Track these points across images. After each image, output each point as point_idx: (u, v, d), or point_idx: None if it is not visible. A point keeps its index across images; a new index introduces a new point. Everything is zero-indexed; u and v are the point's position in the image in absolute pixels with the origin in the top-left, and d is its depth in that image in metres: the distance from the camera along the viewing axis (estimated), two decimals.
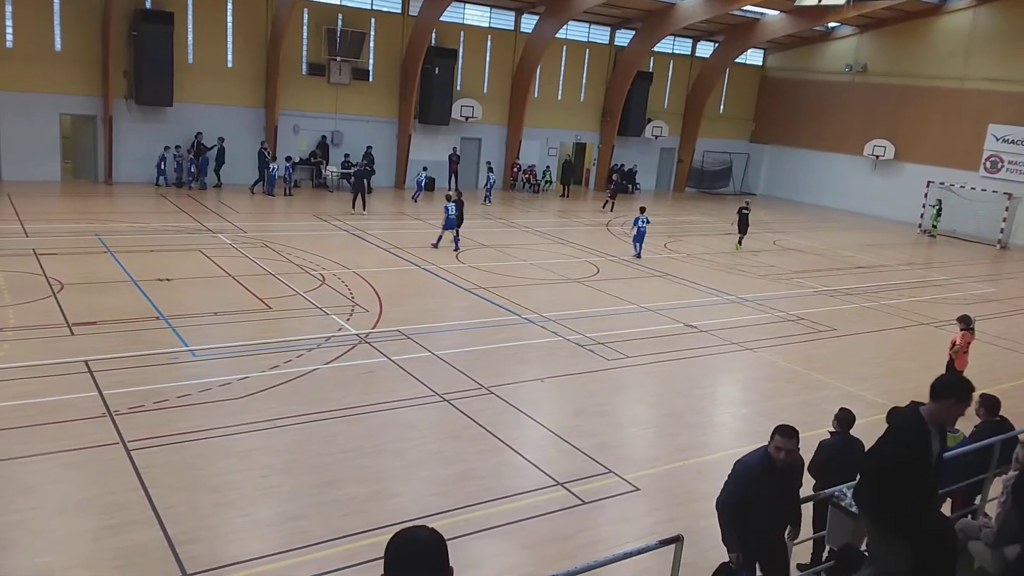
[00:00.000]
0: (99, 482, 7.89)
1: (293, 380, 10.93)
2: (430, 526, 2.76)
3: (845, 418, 7.35)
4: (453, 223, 20.55)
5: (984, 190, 31.50)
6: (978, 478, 7.21)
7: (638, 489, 8.74)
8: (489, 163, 32.34)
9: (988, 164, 32.04)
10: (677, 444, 10.21)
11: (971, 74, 32.32)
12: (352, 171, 27.35)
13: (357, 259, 18.64)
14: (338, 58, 28.85)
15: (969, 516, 7.12)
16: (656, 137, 37.66)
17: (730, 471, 5.94)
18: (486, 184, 30.70)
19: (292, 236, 20.61)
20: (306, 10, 28.54)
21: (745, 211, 24.61)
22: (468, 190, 32.45)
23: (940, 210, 31.85)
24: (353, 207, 25.10)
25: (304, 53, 28.92)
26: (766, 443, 5.92)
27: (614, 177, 34.10)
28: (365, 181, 26.16)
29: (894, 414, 5.23)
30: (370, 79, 30.22)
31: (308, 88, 29.08)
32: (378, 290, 15.91)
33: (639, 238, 21.65)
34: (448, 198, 21.05)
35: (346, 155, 29.74)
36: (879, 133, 35.50)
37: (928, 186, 32.62)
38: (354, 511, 7.75)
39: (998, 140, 31.71)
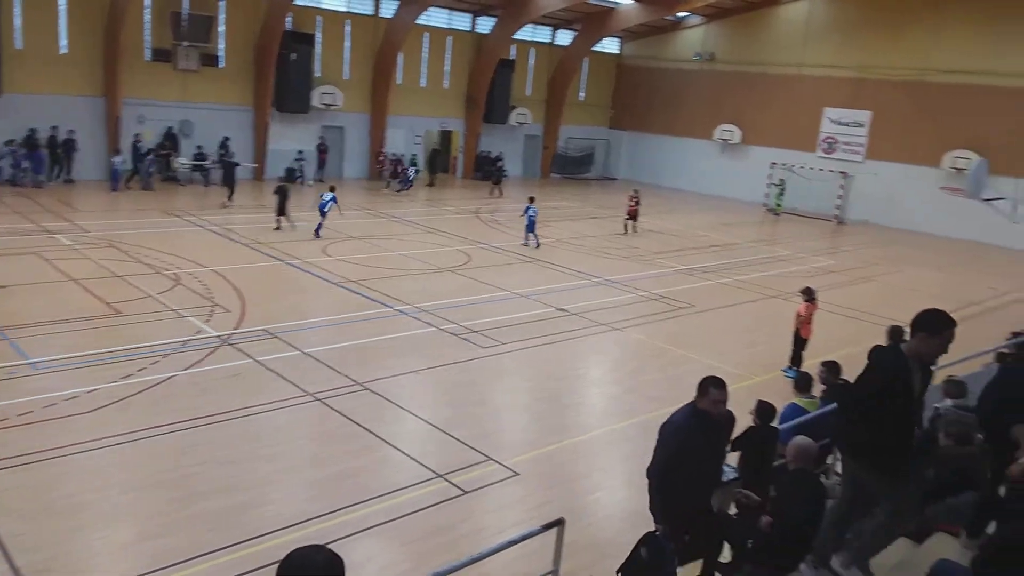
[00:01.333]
0: None
1: (149, 389, 10.25)
2: (329, 548, 2.58)
3: None
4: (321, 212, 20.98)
5: (821, 170, 33.94)
6: (828, 439, 7.75)
7: (517, 474, 8.81)
8: (414, 155, 33.36)
9: (824, 145, 34.54)
10: (552, 426, 10.38)
11: (808, 61, 34.66)
12: (221, 163, 26.55)
13: (214, 256, 17.69)
14: (185, 43, 27.17)
15: (823, 476, 7.64)
16: (520, 124, 38.05)
17: (658, 436, 5.66)
18: (409, 174, 31.18)
19: (141, 234, 19.30)
20: None
21: (635, 200, 25.17)
22: (333, 180, 31.68)
23: (783, 190, 34.06)
24: (230, 199, 24.41)
25: (147, 38, 27.05)
26: (688, 401, 5.68)
27: (499, 164, 34.59)
28: (233, 172, 25.37)
29: (875, 350, 5.11)
30: (221, 65, 28.71)
31: (153, 75, 27.24)
32: (239, 288, 15.18)
33: (530, 227, 21.63)
34: (332, 188, 21.66)
35: (198, 147, 28.18)
36: (726, 118, 37.47)
37: (772, 167, 34.78)
38: (223, 524, 7.36)
39: (832, 123, 34.24)
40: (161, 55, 27.19)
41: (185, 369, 11.02)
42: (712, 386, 5.45)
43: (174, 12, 26.78)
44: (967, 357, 9.56)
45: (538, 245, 21.58)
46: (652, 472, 5.61)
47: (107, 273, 15.52)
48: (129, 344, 11.76)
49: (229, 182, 24.85)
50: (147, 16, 26.85)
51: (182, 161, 27.85)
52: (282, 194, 21.07)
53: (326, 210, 20.85)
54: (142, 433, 8.99)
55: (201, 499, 7.78)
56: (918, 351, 4.79)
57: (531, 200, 22.17)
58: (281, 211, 21.02)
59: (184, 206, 23.79)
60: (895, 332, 10.12)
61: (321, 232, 20.60)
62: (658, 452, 5.62)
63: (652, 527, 5.68)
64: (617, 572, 5.70)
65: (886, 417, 4.77)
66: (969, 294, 20.37)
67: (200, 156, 27.93)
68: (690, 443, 5.43)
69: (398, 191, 30.52)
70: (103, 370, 10.70)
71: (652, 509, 5.69)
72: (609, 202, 32.52)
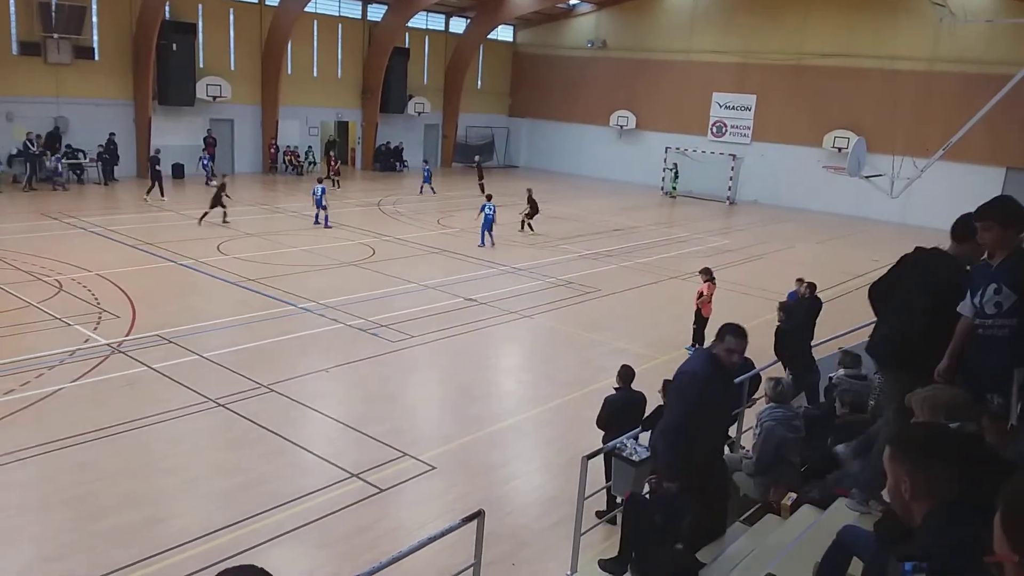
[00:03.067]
0: None
1: (35, 404, 9.59)
2: (258, 567, 2.46)
3: (626, 374, 7.86)
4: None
5: (713, 153, 35.16)
6: (733, 413, 8.04)
7: (434, 468, 8.74)
8: (310, 147, 33.48)
9: (714, 129, 35.77)
10: (468, 417, 10.35)
11: (695, 47, 35.74)
12: (148, 159, 25.96)
13: (99, 260, 16.68)
14: (56, 35, 25.45)
15: (728, 449, 7.93)
16: (419, 114, 37.65)
17: (672, 388, 5.24)
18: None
19: (17, 239, 18.03)
20: None
21: (531, 195, 23.34)
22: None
23: (677, 173, 35.10)
24: (162, 195, 24.37)
25: (13, 30, 25.18)
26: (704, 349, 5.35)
27: (477, 158, 34.07)
28: (157, 168, 24.96)
29: (911, 259, 4.83)
30: (96, 58, 27.06)
31: (22, 70, 25.39)
32: (128, 292, 14.40)
33: (487, 226, 20.68)
34: (320, 180, 22.58)
35: (68, 145, 26.41)
36: (621, 104, 38.23)
37: (667, 151, 35.76)
38: (125, 541, 6.97)
39: (721, 107, 35.49)
40: (30, 48, 25.38)
41: (74, 380, 10.38)
42: (729, 334, 5.14)
43: (43, 3, 25.02)
44: (856, 328, 10.09)
45: (493, 244, 20.72)
46: (669, 426, 5.20)
47: None
48: (10, 357, 10.96)
49: (156, 179, 24.49)
50: (12, 7, 25.00)
51: (59, 159, 26.11)
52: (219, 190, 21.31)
53: (323, 203, 21.82)
54: (32, 451, 8.41)
55: (102, 516, 7.36)
56: (967, 253, 4.74)
57: (489, 198, 21.29)
58: (217, 204, 21.12)
59: (63, 207, 22.34)
60: (787, 307, 10.65)
61: (330, 223, 21.90)
62: (675, 405, 5.23)
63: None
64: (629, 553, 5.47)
65: (943, 325, 4.67)
66: (854, 266, 21.58)
67: (72, 154, 26.24)
68: (709, 393, 5.12)
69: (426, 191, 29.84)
70: None
71: (667, 468, 5.32)
72: (511, 190, 32.61)
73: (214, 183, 28.84)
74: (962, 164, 27.59)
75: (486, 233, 20.72)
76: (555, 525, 7.70)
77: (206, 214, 20.91)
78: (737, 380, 7.95)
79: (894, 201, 23.07)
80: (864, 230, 28.54)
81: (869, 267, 21.87)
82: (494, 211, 20.86)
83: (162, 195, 24.45)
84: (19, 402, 9.59)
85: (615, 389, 7.89)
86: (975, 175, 27.88)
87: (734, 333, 5.14)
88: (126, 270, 16.00)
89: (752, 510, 6.28)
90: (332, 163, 30.93)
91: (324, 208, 21.92)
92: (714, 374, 5.14)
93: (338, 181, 30.04)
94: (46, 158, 25.99)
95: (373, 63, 35.02)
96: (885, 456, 2.42)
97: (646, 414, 7.47)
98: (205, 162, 29.04)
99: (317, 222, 21.94)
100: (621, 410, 7.59)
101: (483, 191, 29.51)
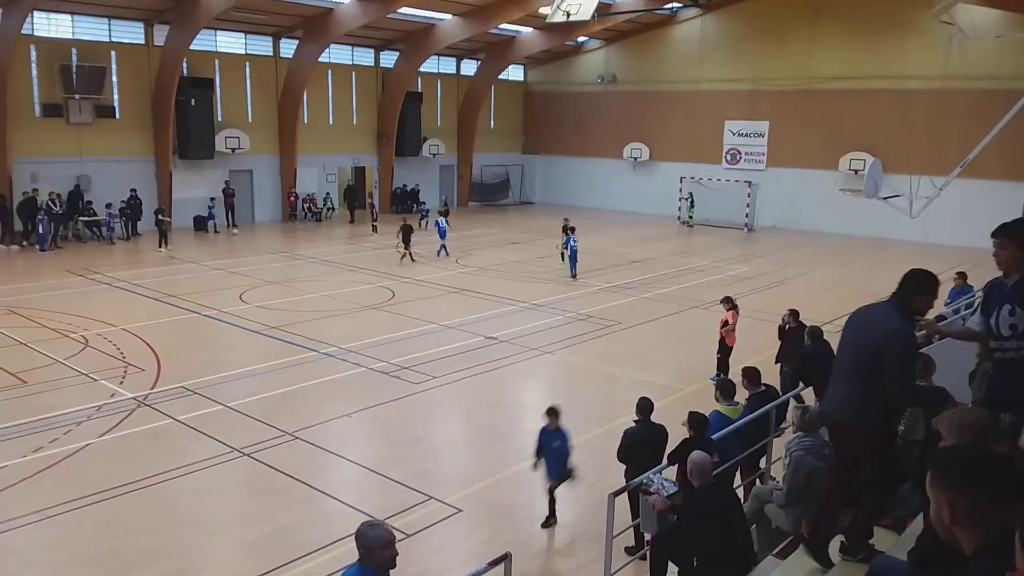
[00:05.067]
0: None
1: (64, 460, 9.66)
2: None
3: (645, 406, 7.76)
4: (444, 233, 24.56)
5: (728, 180, 35.14)
6: (760, 444, 7.91)
7: (460, 511, 8.66)
8: (445, 201, 34.97)
9: (728, 157, 35.80)
10: (493, 457, 10.28)
11: (705, 77, 35.96)
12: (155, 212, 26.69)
13: (124, 314, 16.90)
14: (77, 96, 26.18)
15: (758, 480, 7.79)
16: (434, 155, 38.09)
17: (897, 348, 4.60)
18: (437, 228, 25.37)
19: (43, 297, 18.34)
20: (33, 47, 25.61)
21: (568, 227, 22.95)
22: (245, 225, 30.94)
23: (693, 202, 35.07)
24: (161, 247, 25.05)
25: (36, 93, 25.94)
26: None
27: (443, 197, 34.07)
28: (160, 218, 25.98)
29: None
30: (116, 116, 27.74)
31: (45, 131, 26.09)
32: (153, 345, 14.55)
33: (573, 258, 21.69)
34: (441, 213, 25.15)
35: (88, 201, 26.86)
36: (634, 136, 38.44)
37: (681, 181, 35.80)
38: None
39: (734, 135, 35.56)
40: (52, 110, 26.09)
41: (101, 436, 10.45)
42: (934, 283, 4.79)
43: (63, 65, 25.80)
44: None
45: (574, 276, 21.69)
46: (911, 388, 4.80)
47: (10, 341, 14.65)
48: (39, 415, 11.07)
49: (161, 231, 25.51)
50: (34, 71, 25.79)
51: (110, 214, 26.71)
52: (406, 230, 23.29)
53: (447, 235, 24.22)
54: (60, 508, 8.44)
55: (131, 572, 7.35)
56: None
57: (572, 230, 22.15)
58: (407, 243, 23.28)
59: (87, 264, 22.73)
60: (814, 332, 10.50)
61: (442, 253, 24.21)
62: (909, 361, 4.74)
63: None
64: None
65: None
66: (877, 288, 21.31)
67: (90, 211, 26.73)
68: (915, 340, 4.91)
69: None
70: (12, 445, 10.04)
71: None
72: (529, 226, 32.78)
73: (235, 232, 29.33)
74: (981, 180, 27.29)
75: (573, 264, 21.85)
76: (584, 565, 7.59)
77: (407, 253, 23.14)
78: (762, 409, 7.88)
79: (914, 221, 22.86)
80: (885, 251, 28.26)
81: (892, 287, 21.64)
82: (576, 243, 21.90)
83: (161, 246, 25.00)
84: (48, 459, 9.66)
85: (634, 422, 7.81)
86: (995, 191, 27.56)
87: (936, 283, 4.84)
88: (151, 323, 16.19)
89: (784, 543, 6.13)
90: (371, 209, 31.50)
91: (444, 238, 24.11)
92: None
93: (375, 226, 30.25)
94: (95, 214, 26.48)
95: (387, 108, 35.60)
96: (928, 481, 2.33)
97: (668, 446, 7.37)
98: (213, 212, 29.50)
99: (441, 252, 24.24)
100: (641, 443, 7.50)
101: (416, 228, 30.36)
